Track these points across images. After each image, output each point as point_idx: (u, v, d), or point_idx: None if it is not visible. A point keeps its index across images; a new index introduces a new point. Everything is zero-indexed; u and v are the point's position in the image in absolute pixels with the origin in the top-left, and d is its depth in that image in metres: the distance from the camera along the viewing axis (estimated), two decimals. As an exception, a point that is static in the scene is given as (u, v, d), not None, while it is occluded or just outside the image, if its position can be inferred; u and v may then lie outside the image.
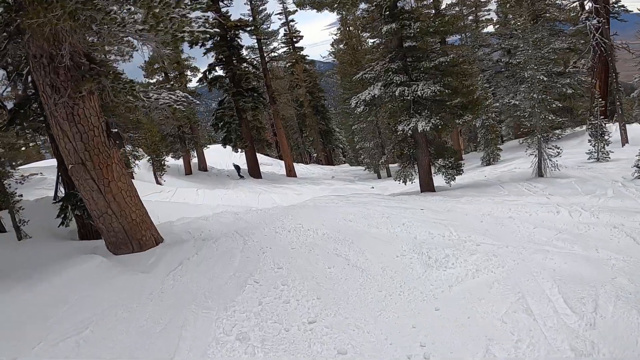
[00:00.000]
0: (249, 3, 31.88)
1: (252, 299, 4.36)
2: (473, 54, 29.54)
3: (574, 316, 3.99)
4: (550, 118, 13.94)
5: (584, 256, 5.65)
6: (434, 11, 25.92)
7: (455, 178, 14.30)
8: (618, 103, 21.24)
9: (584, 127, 26.77)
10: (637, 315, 3.88)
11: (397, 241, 6.15)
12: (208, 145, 32.45)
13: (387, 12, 12.77)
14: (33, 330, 3.92)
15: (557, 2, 27.32)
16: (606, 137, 17.15)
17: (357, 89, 26.77)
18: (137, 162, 20.46)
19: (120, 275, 5.18)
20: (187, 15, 5.05)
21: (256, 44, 32.06)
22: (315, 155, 48.45)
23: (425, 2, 24.19)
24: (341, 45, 37.15)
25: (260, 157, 34.07)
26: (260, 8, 32.72)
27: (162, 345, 3.65)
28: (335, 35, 39.50)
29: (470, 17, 35.53)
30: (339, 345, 3.59)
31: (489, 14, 35.26)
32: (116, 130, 19.71)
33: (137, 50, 11.99)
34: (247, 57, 30.94)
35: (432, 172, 14.49)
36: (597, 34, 22.56)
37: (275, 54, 34.91)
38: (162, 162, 23.90)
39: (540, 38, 15.05)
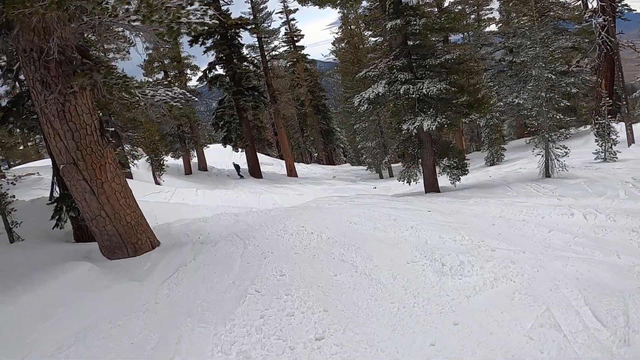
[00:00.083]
0: (249, 1, 31.58)
1: (253, 311, 4.02)
2: (475, 53, 29.19)
3: (606, 331, 3.65)
4: (558, 117, 13.59)
5: (605, 262, 5.31)
6: (436, 9, 25.59)
7: (460, 178, 13.97)
8: (624, 102, 20.88)
9: (588, 127, 26.48)
10: (672, 330, 3.55)
11: (406, 246, 5.81)
12: (208, 145, 32.08)
13: (392, 9, 12.42)
14: (11, 348, 3.57)
15: (560, 0, 27.00)
16: (614, 137, 16.79)
17: (359, 88, 26.44)
18: (135, 161, 20.12)
19: (112, 284, 4.83)
20: (184, 5, 4.70)
21: (257, 43, 31.74)
22: (316, 155, 48.12)
23: (427, 0, 23.89)
24: (342, 44, 36.83)
25: (261, 157, 33.74)
26: (261, 6, 32.43)
27: (153, 365, 3.32)
28: (336, 33, 39.24)
29: (472, 16, 35.18)
30: (351, 366, 3.24)
31: (492, 13, 34.93)
32: (113, 129, 19.34)
33: (134, 46, 11.70)
34: (248, 56, 30.61)
35: (437, 172, 14.15)
36: (603, 32, 22.20)
37: (276, 53, 34.59)
38: (161, 162, 23.55)
39: (548, 36, 14.68)
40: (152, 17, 4.39)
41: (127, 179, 18.56)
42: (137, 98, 6.06)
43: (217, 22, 4.96)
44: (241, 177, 28.71)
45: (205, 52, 28.39)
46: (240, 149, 29.43)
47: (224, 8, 28.07)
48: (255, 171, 29.19)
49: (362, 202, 10.35)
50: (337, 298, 4.26)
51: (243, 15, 30.10)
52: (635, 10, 26.90)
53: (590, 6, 25.07)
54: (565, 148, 13.71)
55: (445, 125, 12.11)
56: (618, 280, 4.69)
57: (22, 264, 5.72)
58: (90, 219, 6.55)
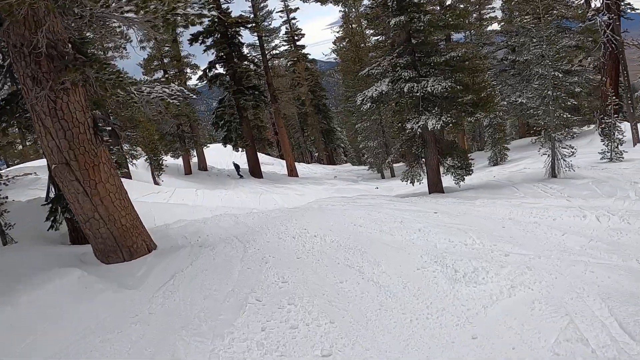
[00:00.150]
0: (249, 0, 31.26)
1: (253, 322, 3.73)
2: (477, 52, 28.90)
3: (635, 345, 3.37)
4: (565, 116, 13.30)
5: (625, 268, 5.03)
6: (438, 8, 25.32)
7: (464, 179, 13.70)
8: (629, 102, 20.59)
9: (592, 127, 26.19)
10: None
11: (414, 250, 5.52)
12: (208, 145, 31.77)
13: (395, 5, 12.13)
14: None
15: (563, -1, 26.68)
16: (620, 137, 16.49)
17: (361, 87, 26.18)
18: (134, 161, 19.82)
19: (102, 293, 4.54)
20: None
21: (257, 42, 31.43)
22: (316, 154, 47.84)
23: (430, -2, 23.66)
24: (344, 43, 36.53)
25: (262, 157, 33.45)
26: (262, 5, 32.07)
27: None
28: (337, 32, 38.94)
29: (474, 15, 34.88)
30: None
31: (493, 12, 34.61)
32: (111, 128, 19.08)
33: (130, 42, 11.46)
34: (248, 55, 30.32)
35: (441, 172, 13.87)
36: (607, 31, 21.88)
37: (277, 52, 34.27)
38: (160, 162, 23.24)
39: (554, 33, 14.41)
40: (146, 8, 4.11)
41: (125, 179, 18.28)
42: (133, 95, 5.77)
43: (215, 13, 4.66)
44: (240, 176, 28.43)
45: (205, 50, 28.13)
46: (240, 149, 29.15)
47: (224, 6, 27.83)
48: (255, 171, 28.91)
49: (366, 203, 10.07)
50: (343, 308, 3.98)
51: (243, 14, 29.80)
52: (638, 10, 26.61)
53: (593, 5, 24.79)
54: (572, 148, 13.42)
55: (451, 124, 11.81)
56: (641, 288, 4.41)
57: (10, 269, 5.43)
58: (83, 222, 6.27)
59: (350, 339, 3.44)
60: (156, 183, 22.53)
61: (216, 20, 27.33)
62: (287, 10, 37.42)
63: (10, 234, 8.84)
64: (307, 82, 38.72)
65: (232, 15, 27.93)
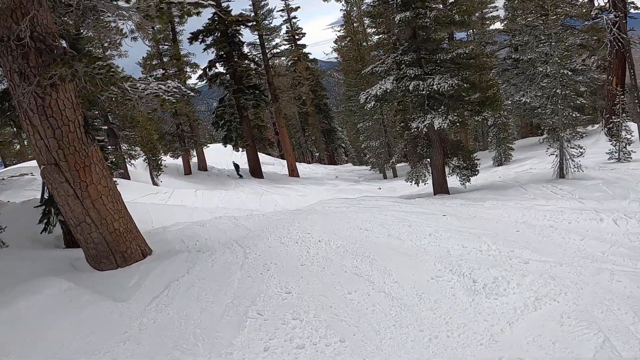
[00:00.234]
0: (250, -2, 30.90)
1: (255, 341, 3.37)
2: (481, 51, 28.53)
3: (681, 367, 3.00)
4: (574, 115, 12.95)
5: (653, 276, 4.67)
6: (441, 6, 24.96)
7: (470, 179, 13.35)
8: (636, 101, 20.20)
9: (596, 126, 25.83)
10: None
11: (426, 257, 5.16)
12: (208, 144, 31.41)
13: (400, 0, 11.77)
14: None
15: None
16: (628, 137, 16.12)
17: (363, 86, 25.84)
18: (133, 161, 19.47)
19: (90, 307, 4.17)
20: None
21: (257, 41, 31.05)
22: (317, 154, 47.48)
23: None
24: (345, 42, 36.17)
25: (262, 157, 33.09)
26: (262, 3, 31.69)
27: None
28: (338, 31, 38.56)
29: (476, 14, 34.48)
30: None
31: (496, 11, 34.22)
32: (107, 127, 18.74)
33: (126, 37, 11.01)
34: (249, 54, 29.94)
35: (446, 172, 13.52)
36: (614, 29, 21.51)
37: (277, 51, 33.87)
38: (159, 162, 22.87)
39: (562, 30, 14.07)
40: (137, -5, 3.76)
41: (123, 180, 17.88)
42: (126, 91, 5.42)
43: (213, 2, 4.31)
44: (240, 176, 28.10)
45: (205, 49, 27.79)
46: (241, 149, 28.81)
47: (224, 4, 27.47)
48: (256, 171, 28.56)
49: (371, 205, 9.71)
50: (354, 324, 3.61)
51: (244, 12, 29.41)
52: (641, 9, 26.25)
53: (596, 3, 24.44)
54: (581, 148, 13.08)
55: (458, 124, 11.45)
56: (673, 299, 4.06)
57: (-4, 277, 5.07)
58: (74, 226, 5.91)
59: (363, 361, 3.09)
60: (155, 184, 22.16)
61: (216, 18, 26.99)
62: (288, 9, 37.04)
63: (2, 237, 8.48)
64: (308, 81, 38.34)
65: (232, 13, 27.56)
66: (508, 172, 18.34)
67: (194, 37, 27.58)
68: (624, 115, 16.43)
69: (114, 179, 13.48)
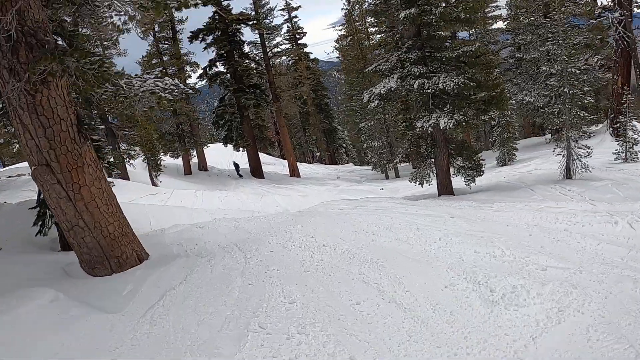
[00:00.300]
0: (250, -4, 30.62)
1: (257, 358, 3.09)
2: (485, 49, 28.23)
3: None
4: (582, 115, 12.66)
5: (679, 284, 4.39)
6: (444, 4, 24.67)
7: (475, 180, 13.07)
8: (643, 100, 19.92)
9: (600, 126, 25.54)
10: None
11: (438, 263, 4.88)
12: (208, 144, 31.15)
13: (405, -4, 11.49)
14: None
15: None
16: (635, 136, 15.83)
17: (365, 85, 25.56)
18: (132, 161, 19.21)
19: (78, 321, 3.87)
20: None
21: (258, 39, 30.78)
22: (318, 154, 47.23)
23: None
24: (346, 41, 35.91)
25: (263, 157, 32.84)
26: (263, 2, 31.42)
27: None
28: (340, 30, 38.31)
29: (478, 13, 34.17)
30: None
31: (498, 10, 33.93)
32: (103, 126, 18.44)
33: (122, 33, 10.82)
34: (249, 53, 29.67)
35: (451, 173, 13.23)
36: (619, 27, 21.22)
37: (278, 50, 33.59)
38: (158, 162, 22.58)
39: (570, 28, 13.83)
40: (131, -17, 3.49)
41: (122, 180, 17.59)
42: (121, 88, 5.15)
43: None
44: (240, 176, 27.88)
45: (205, 48, 27.57)
46: (241, 149, 28.55)
47: (224, 3, 27.19)
48: (257, 171, 28.30)
49: (375, 207, 9.43)
50: (365, 339, 3.33)
51: (244, 11, 29.14)
52: (644, 8, 25.99)
53: (599, 2, 24.18)
54: (588, 148, 12.79)
55: (464, 123, 11.16)
56: None
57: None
58: (66, 229, 5.64)
59: (377, 383, 2.81)
60: (154, 184, 21.88)
61: (216, 17, 26.73)
62: (289, 8, 36.79)
63: (-6, 239, 8.23)
64: (309, 81, 38.08)
65: (233, 12, 27.29)
66: (512, 172, 18.05)
67: (194, 35, 27.34)
68: (630, 114, 16.13)
69: (111, 180, 13.24)
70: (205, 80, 28.25)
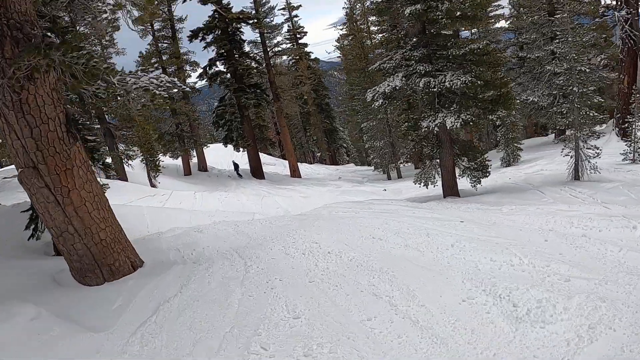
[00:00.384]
0: (251, -5, 30.28)
1: (259, 387, 2.77)
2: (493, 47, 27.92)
3: None
4: (591, 114, 12.32)
5: None
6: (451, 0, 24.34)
7: (481, 181, 12.72)
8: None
9: (604, 126, 25.20)
10: None
11: (452, 273, 4.54)
12: (208, 145, 30.79)
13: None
14: None
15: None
16: (646, 136, 15.46)
17: (367, 84, 25.22)
18: (130, 162, 18.88)
19: (61, 342, 3.52)
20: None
21: (259, 39, 30.44)
22: (319, 154, 46.92)
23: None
24: (348, 40, 35.60)
25: (263, 157, 32.51)
26: (263, 1, 31.08)
27: None
28: (341, 29, 38.04)
29: (485, 10, 33.83)
30: None
31: (501, 9, 33.60)
32: (99, 126, 18.11)
33: (117, 29, 10.50)
34: (250, 52, 29.32)
35: (457, 174, 12.89)
36: (626, 26, 20.87)
37: (279, 49, 33.24)
38: (157, 162, 22.22)
39: (580, 25, 13.50)
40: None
41: (120, 182, 17.23)
42: (113, 85, 4.81)
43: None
44: (240, 176, 27.58)
45: (205, 47, 27.24)
46: (241, 149, 28.22)
47: (224, 2, 26.85)
48: (257, 172, 27.96)
49: (380, 210, 9.10)
50: (378, 363, 3.00)
51: (244, 10, 28.79)
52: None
53: (602, 1, 23.88)
54: (597, 148, 12.44)
55: (471, 123, 10.82)
56: None
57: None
58: (56, 236, 5.31)
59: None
60: (152, 185, 21.53)
61: (216, 16, 26.42)
62: (289, 7, 36.48)
63: (-16, 244, 7.90)
64: (310, 80, 37.75)
65: (233, 10, 26.95)
66: (518, 173, 17.71)
67: (194, 34, 27.02)
68: (639, 114, 15.79)
69: (108, 181, 12.90)
70: (205, 80, 27.93)
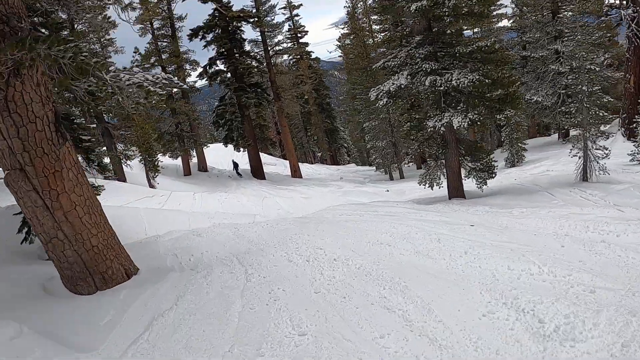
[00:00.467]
0: (251, -7, 29.96)
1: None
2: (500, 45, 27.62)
3: None
4: (600, 114, 12.01)
5: None
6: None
7: (487, 182, 12.41)
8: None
9: (607, 127, 24.89)
10: None
11: (468, 283, 4.23)
12: (208, 145, 30.47)
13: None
14: None
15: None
16: (653, 137, 15.12)
17: (369, 83, 24.90)
18: (128, 162, 18.56)
19: (42, 362, 3.25)
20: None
21: (259, 37, 30.13)
22: (319, 154, 46.62)
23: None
24: (349, 40, 35.31)
25: (264, 157, 32.21)
26: (264, -1, 30.80)
27: None
28: (342, 28, 37.78)
29: (491, 7, 33.50)
30: None
31: (504, 8, 33.27)
32: (95, 125, 17.80)
33: (115, 27, 10.26)
34: (250, 52, 29.01)
35: (462, 175, 12.58)
36: (632, 24, 20.55)
37: (280, 48, 32.90)
38: (156, 162, 21.89)
39: (588, 24, 13.21)
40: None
41: (118, 182, 16.89)
42: (105, 81, 4.50)
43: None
44: (239, 175, 27.29)
45: (205, 46, 26.94)
46: (242, 149, 27.90)
47: (225, 0, 26.52)
48: (257, 172, 27.65)
49: (385, 212, 8.79)
50: (395, 390, 2.69)
51: (245, 8, 28.47)
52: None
53: (606, 0, 23.57)
54: (605, 149, 12.13)
55: (478, 122, 10.51)
56: None
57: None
58: (45, 242, 4.99)
59: None
60: (151, 186, 21.21)
61: (217, 14, 26.11)
62: (290, 6, 36.19)
63: (-26, 248, 7.58)
64: (311, 80, 37.44)
65: (233, 9, 26.63)
66: (523, 173, 17.41)
67: (193, 33, 26.73)
68: (648, 115, 15.47)
69: (105, 182, 12.57)
70: (205, 79, 27.62)
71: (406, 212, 8.67)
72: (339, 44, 39.20)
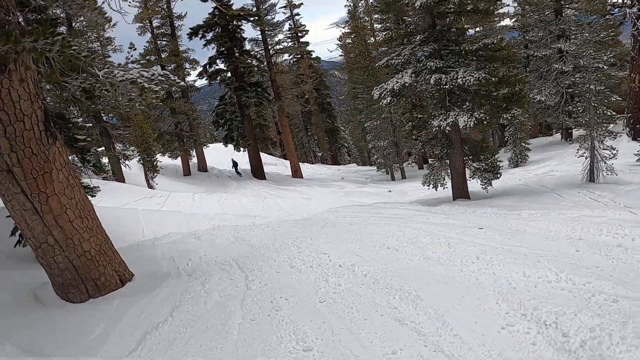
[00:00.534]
0: (251, -8, 29.70)
1: None
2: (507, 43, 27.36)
3: None
4: (609, 113, 11.74)
5: None
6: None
7: (492, 183, 12.14)
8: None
9: (612, 126, 24.61)
10: None
11: (483, 292, 3.97)
12: (208, 144, 30.21)
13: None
14: None
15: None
16: (659, 137, 14.88)
17: (370, 82, 24.64)
18: (127, 162, 18.30)
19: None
20: None
21: (260, 37, 29.86)
22: (320, 154, 46.36)
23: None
24: (350, 39, 35.04)
25: (264, 157, 31.95)
26: (264, -2, 30.53)
27: None
28: (343, 27, 37.53)
29: (497, 4, 33.21)
30: None
31: (506, 7, 33.00)
32: (90, 124, 17.54)
33: (113, 26, 10.01)
34: (251, 50, 28.75)
35: (467, 175, 12.32)
36: (638, 23, 20.28)
37: (280, 47, 32.64)
38: (154, 163, 21.62)
39: (596, 21, 12.95)
40: None
41: (117, 183, 16.61)
42: (96, 78, 4.24)
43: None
44: (239, 174, 27.04)
45: (205, 45, 26.69)
46: (242, 149, 27.64)
47: (225, -2, 26.31)
48: (258, 172, 27.40)
49: (390, 214, 8.53)
50: (412, 417, 2.43)
51: (245, 7, 28.22)
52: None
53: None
54: (613, 149, 11.87)
55: (485, 122, 10.25)
56: None
57: None
58: (34, 248, 4.74)
59: None
60: (150, 186, 20.94)
61: (217, 13, 25.86)
62: (291, 5, 35.93)
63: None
64: (312, 79, 37.18)
65: (234, 8, 26.40)
66: (528, 174, 17.13)
67: (193, 32, 26.48)
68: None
69: (103, 183, 12.32)
70: (205, 78, 27.38)
71: (412, 214, 8.42)
72: (340, 43, 38.97)
